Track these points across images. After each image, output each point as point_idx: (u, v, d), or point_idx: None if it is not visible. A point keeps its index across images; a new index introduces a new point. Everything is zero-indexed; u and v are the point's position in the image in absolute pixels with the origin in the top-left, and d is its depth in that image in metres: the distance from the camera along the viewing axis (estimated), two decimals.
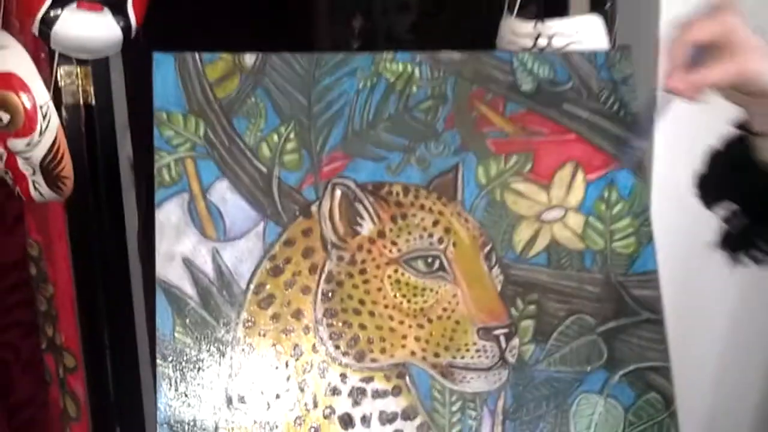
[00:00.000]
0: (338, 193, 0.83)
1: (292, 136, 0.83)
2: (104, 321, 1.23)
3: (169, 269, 0.78)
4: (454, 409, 0.80)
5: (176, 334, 0.77)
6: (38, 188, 1.10)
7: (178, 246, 0.79)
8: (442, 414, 0.79)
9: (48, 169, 1.08)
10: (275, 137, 0.83)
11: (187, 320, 0.78)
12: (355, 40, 1.37)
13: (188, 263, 0.79)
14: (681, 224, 1.04)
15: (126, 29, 1.07)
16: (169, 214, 0.80)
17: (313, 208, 0.82)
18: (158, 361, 0.77)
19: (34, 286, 1.26)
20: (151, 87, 0.82)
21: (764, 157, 0.75)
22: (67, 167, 1.10)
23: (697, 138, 0.84)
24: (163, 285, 0.78)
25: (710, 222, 0.83)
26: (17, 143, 1.06)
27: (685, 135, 1.02)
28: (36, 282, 1.26)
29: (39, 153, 1.07)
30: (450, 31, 1.27)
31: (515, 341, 0.81)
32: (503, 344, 0.81)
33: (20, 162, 1.08)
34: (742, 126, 0.77)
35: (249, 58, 0.84)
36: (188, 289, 0.78)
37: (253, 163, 0.82)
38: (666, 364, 0.82)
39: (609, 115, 0.87)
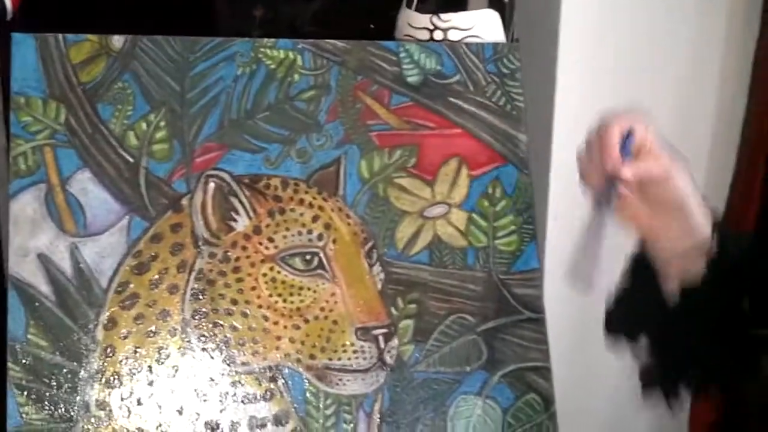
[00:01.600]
0: (212, 186, 0.76)
1: (162, 124, 0.76)
2: None
3: (22, 266, 0.70)
4: (328, 413, 0.74)
5: (30, 336, 0.69)
6: None
7: (33, 241, 0.71)
8: (316, 418, 0.74)
9: None
10: (144, 125, 0.75)
11: (42, 321, 0.70)
12: (257, 31, 1.29)
13: (44, 259, 0.71)
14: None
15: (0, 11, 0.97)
16: (24, 207, 0.71)
17: (184, 202, 0.75)
18: (9, 365, 0.69)
19: None
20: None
21: (669, 286, 0.71)
22: None
23: None
24: (15, 283, 0.70)
25: None
26: None
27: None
28: None
29: None
30: (354, 23, 1.21)
31: (394, 342, 0.76)
32: (382, 345, 0.76)
33: None
34: (643, 256, 0.72)
35: (117, 41, 0.76)
36: (43, 287, 0.70)
37: (118, 153, 0.74)
38: (546, 364, 0.79)
39: (495, 109, 0.83)
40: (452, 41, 0.98)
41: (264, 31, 1.35)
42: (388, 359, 0.76)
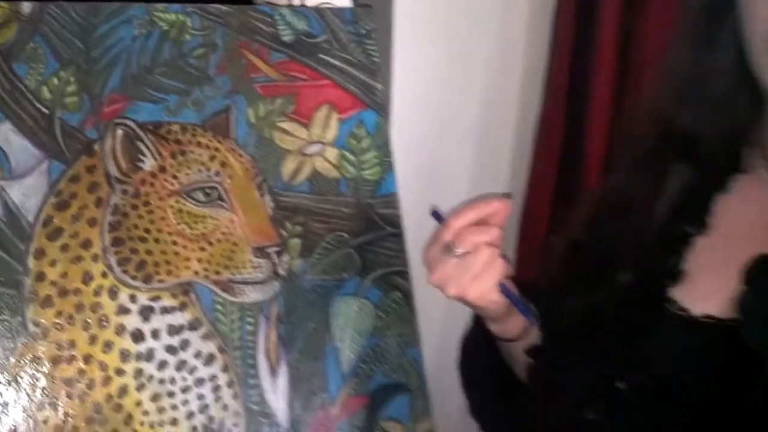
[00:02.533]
0: (119, 132, 0.86)
1: (72, 79, 0.85)
2: None
3: None
4: (234, 317, 0.88)
5: None
6: None
7: None
8: (224, 323, 0.87)
9: None
10: (55, 81, 0.84)
11: None
12: None
13: None
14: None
15: None
16: None
17: (96, 147, 0.85)
18: None
19: None
20: None
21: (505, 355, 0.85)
22: None
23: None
24: None
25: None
26: None
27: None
28: None
29: None
30: None
31: (285, 257, 0.91)
32: (275, 260, 0.90)
33: None
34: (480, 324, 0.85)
35: (26, 6, 0.84)
36: None
37: (35, 106, 0.83)
38: (405, 268, 0.96)
39: (356, 63, 0.98)
40: (311, 6, 1.12)
41: None
42: (281, 271, 0.90)
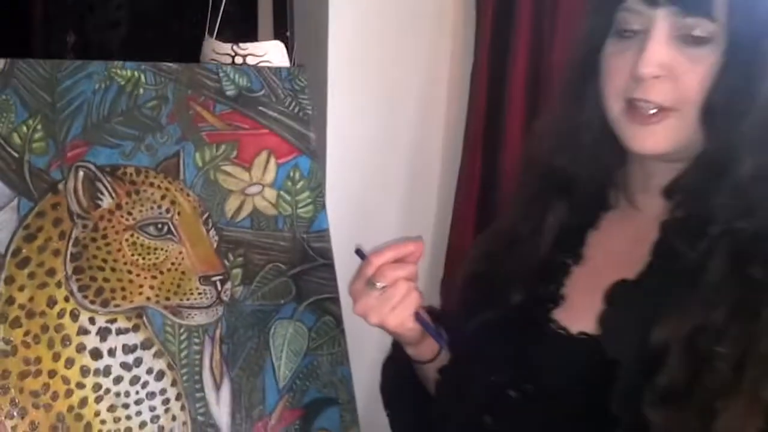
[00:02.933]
0: (81, 174, 0.97)
1: (39, 127, 0.96)
2: None
3: None
4: (182, 338, 0.98)
5: None
6: None
7: None
8: (173, 343, 0.98)
9: None
10: (24, 128, 0.95)
11: None
12: (70, 54, 1.47)
13: None
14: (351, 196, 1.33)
15: None
16: None
17: (60, 186, 0.96)
18: None
19: None
20: None
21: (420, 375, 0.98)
22: None
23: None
24: None
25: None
26: None
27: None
28: None
29: None
30: (156, 48, 1.43)
31: (228, 285, 1.02)
32: (219, 288, 1.01)
33: None
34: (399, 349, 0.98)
35: None
36: None
37: (6, 150, 0.93)
38: (335, 295, 1.08)
39: (292, 115, 1.11)
40: (251, 65, 1.26)
41: (76, 55, 1.53)
42: (224, 297, 1.01)
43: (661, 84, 0.77)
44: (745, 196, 0.74)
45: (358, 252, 0.93)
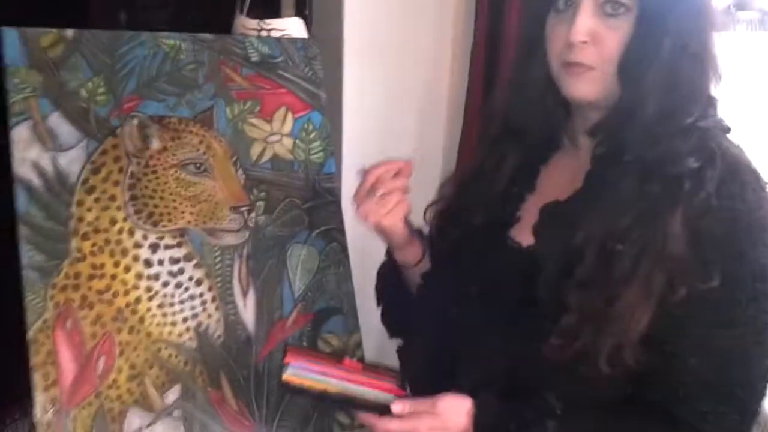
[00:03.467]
0: (135, 121, 1.21)
1: (102, 84, 1.20)
2: None
3: (22, 168, 1.12)
4: (216, 255, 1.22)
5: (31, 211, 1.11)
6: None
7: (27, 154, 1.12)
8: (209, 257, 1.21)
9: None
10: (90, 85, 1.19)
11: (36, 202, 1.11)
12: (122, 30, 1.71)
13: (35, 165, 1.13)
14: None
15: None
16: (20, 133, 1.12)
17: (118, 131, 1.19)
18: (21, 227, 1.10)
19: None
20: None
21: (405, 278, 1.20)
22: None
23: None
24: (19, 180, 1.11)
25: None
26: None
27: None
28: None
29: None
30: (197, 27, 1.65)
31: (253, 214, 1.25)
32: (245, 216, 1.24)
33: None
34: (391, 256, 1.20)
35: (69, 33, 1.19)
36: (36, 181, 1.12)
37: (76, 102, 1.17)
38: (341, 226, 1.31)
39: (306, 78, 1.34)
40: (274, 36, 1.48)
41: (128, 29, 1.77)
42: (250, 224, 1.24)
43: (587, 48, 0.97)
44: (651, 132, 0.95)
45: (361, 171, 1.15)
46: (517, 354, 0.95)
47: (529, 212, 1.08)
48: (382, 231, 1.14)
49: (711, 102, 0.97)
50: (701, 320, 0.89)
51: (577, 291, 0.93)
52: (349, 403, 1.02)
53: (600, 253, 0.93)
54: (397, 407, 0.96)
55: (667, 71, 0.94)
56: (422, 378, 1.06)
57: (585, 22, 0.96)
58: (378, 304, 1.25)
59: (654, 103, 0.94)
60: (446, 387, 0.98)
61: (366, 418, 1.00)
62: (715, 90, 0.97)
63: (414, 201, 1.14)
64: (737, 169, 0.92)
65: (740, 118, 1.66)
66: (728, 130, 0.98)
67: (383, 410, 0.97)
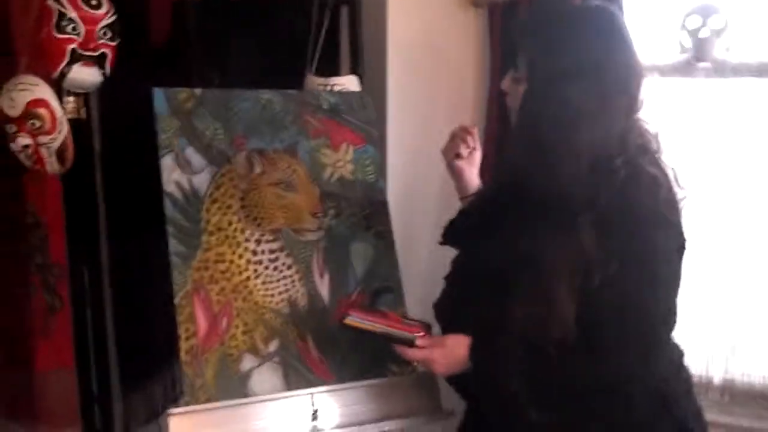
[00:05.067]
0: (243, 153, 1.68)
1: (220, 127, 1.68)
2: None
3: (169, 186, 1.59)
4: (301, 247, 1.67)
5: (175, 215, 1.58)
6: (52, 165, 1.83)
7: (172, 176, 1.60)
8: (296, 249, 1.67)
9: (60, 153, 1.82)
10: (212, 127, 1.67)
11: (178, 208, 1.59)
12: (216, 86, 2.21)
13: (177, 183, 1.60)
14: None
15: (104, 75, 1.85)
16: (167, 161, 1.61)
17: (233, 160, 1.67)
18: (169, 228, 1.57)
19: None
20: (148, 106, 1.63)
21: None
22: (69, 152, 1.84)
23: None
24: (167, 194, 1.59)
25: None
26: (44, 138, 1.79)
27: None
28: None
29: (56, 144, 1.81)
30: (274, 82, 2.11)
31: (327, 218, 1.71)
32: (321, 220, 1.70)
33: (43, 150, 1.81)
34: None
35: (197, 91, 1.68)
36: (179, 195, 1.60)
37: (203, 140, 1.65)
38: (389, 227, 1.75)
39: (361, 120, 1.81)
40: (337, 90, 1.96)
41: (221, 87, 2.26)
42: (324, 225, 1.70)
43: (508, 97, 1.42)
44: (537, 154, 1.32)
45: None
46: (502, 305, 1.37)
47: None
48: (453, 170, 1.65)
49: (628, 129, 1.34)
50: (613, 295, 1.27)
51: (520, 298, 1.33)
52: (389, 339, 1.46)
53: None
54: (419, 341, 1.41)
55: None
56: (442, 317, 1.51)
57: (505, 84, 1.44)
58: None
59: (538, 133, 1.34)
60: (457, 325, 1.42)
61: (400, 349, 1.44)
62: (629, 121, 1.36)
63: (442, 209, 1.60)
64: (636, 175, 1.29)
65: (700, 151, 2.09)
66: (647, 150, 1.36)
67: (411, 344, 1.42)
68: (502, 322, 1.35)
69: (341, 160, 1.77)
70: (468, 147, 1.65)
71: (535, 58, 1.34)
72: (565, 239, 1.28)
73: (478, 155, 1.66)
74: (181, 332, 1.54)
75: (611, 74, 1.30)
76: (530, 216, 1.32)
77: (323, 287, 1.68)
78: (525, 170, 1.32)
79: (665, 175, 1.33)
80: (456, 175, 1.66)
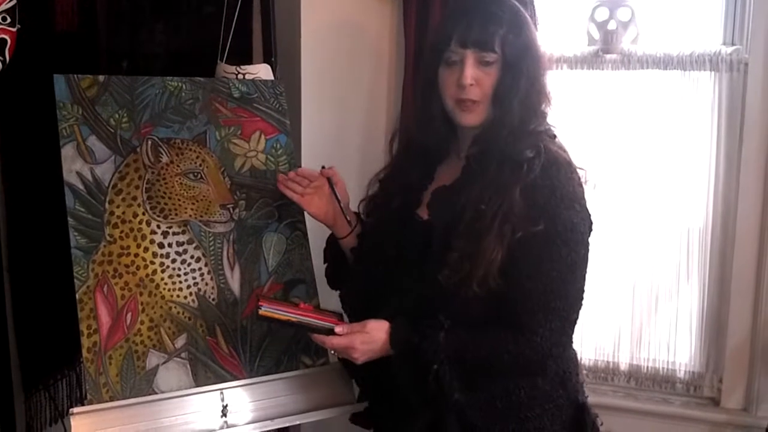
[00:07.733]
0: (149, 142, 1.61)
1: (125, 115, 1.60)
2: None
3: (70, 177, 1.51)
4: (210, 239, 1.62)
5: (76, 207, 1.50)
6: None
7: (73, 166, 1.52)
8: (205, 241, 1.61)
9: None
10: (116, 115, 1.59)
11: (80, 200, 1.51)
12: (125, 74, 2.11)
13: (79, 174, 1.52)
14: None
15: (3, 62, 1.74)
16: (68, 151, 1.52)
17: (138, 149, 1.60)
18: (70, 221, 1.49)
19: None
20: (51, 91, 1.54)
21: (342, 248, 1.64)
22: None
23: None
24: (68, 185, 1.51)
25: None
26: None
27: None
28: None
29: None
30: (186, 71, 2.04)
31: (237, 210, 1.65)
32: (231, 211, 1.65)
33: None
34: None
35: (101, 77, 1.60)
36: (80, 186, 1.52)
37: (107, 128, 1.58)
38: (302, 218, 1.71)
39: (274, 109, 1.76)
40: (249, 79, 1.90)
41: (129, 75, 2.16)
42: (235, 217, 1.65)
43: (473, 89, 1.41)
44: (507, 137, 1.38)
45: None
46: (421, 291, 1.38)
47: (428, 196, 1.51)
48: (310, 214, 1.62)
49: (543, 117, 1.41)
50: (531, 254, 1.32)
51: (458, 239, 1.35)
52: (307, 329, 1.43)
53: (472, 213, 1.36)
54: (339, 329, 1.38)
55: (521, 99, 1.38)
56: (356, 313, 1.48)
57: (471, 71, 1.40)
58: (324, 263, 1.67)
59: (512, 120, 1.38)
60: (373, 316, 1.40)
61: (319, 338, 1.41)
62: (546, 109, 1.41)
63: (357, 199, 1.57)
64: (555, 160, 1.36)
65: (606, 141, 2.13)
66: (554, 136, 1.42)
67: (329, 333, 1.39)
68: (424, 306, 1.38)
69: (253, 150, 1.72)
70: (303, 187, 1.62)
71: (508, 36, 1.39)
72: (504, 194, 1.35)
73: (325, 185, 1.63)
74: (83, 329, 1.47)
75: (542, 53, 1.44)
76: (485, 176, 1.40)
77: (234, 280, 1.63)
78: (497, 140, 1.38)
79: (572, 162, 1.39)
80: (317, 213, 1.63)
